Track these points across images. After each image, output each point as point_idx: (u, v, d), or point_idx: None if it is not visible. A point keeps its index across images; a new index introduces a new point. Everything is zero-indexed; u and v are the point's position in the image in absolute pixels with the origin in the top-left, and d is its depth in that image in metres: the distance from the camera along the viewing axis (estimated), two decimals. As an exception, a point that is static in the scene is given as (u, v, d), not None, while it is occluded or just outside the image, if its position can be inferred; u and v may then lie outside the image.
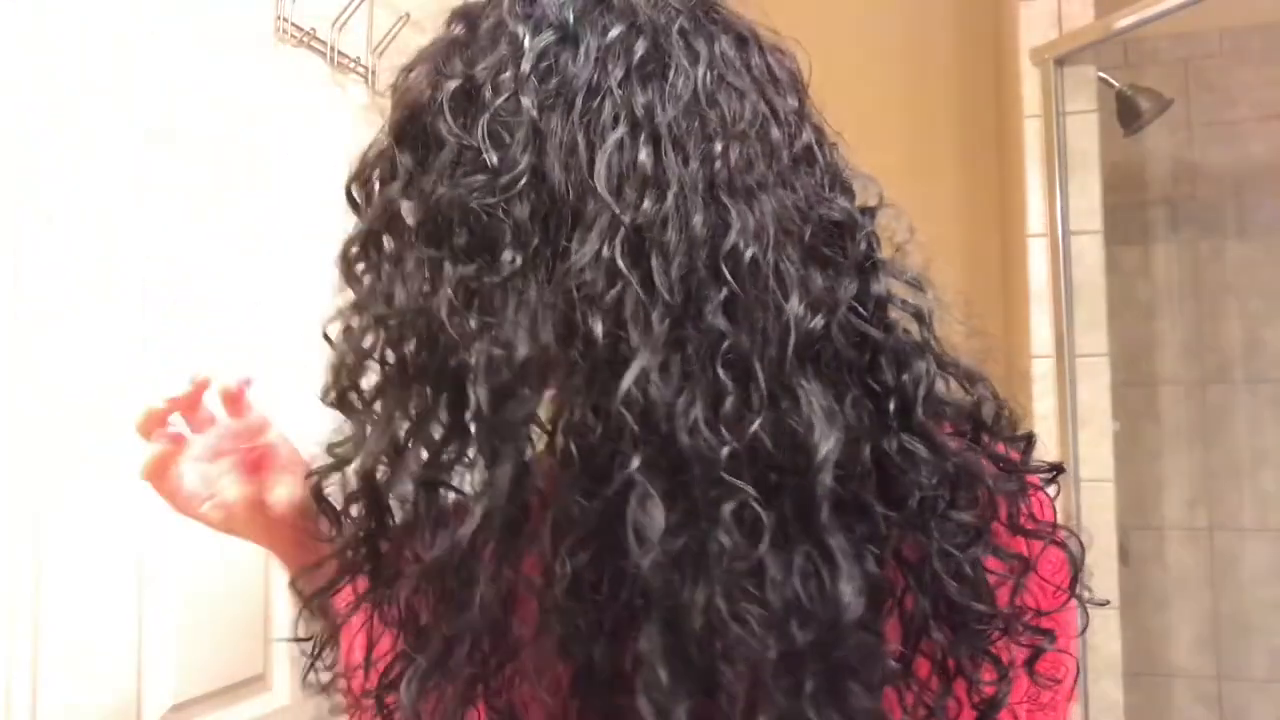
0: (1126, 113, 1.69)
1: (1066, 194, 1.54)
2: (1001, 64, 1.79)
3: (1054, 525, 0.51)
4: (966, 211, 1.84)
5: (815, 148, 0.49)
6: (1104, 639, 1.49)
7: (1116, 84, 1.68)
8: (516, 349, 0.41)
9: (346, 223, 0.54)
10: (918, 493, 0.45)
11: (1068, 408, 1.53)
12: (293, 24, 1.03)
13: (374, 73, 1.16)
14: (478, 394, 0.42)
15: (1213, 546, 2.05)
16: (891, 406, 0.46)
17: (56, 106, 0.77)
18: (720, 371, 0.41)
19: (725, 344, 0.41)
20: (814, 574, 0.41)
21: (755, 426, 0.41)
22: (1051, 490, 0.54)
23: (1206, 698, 2.04)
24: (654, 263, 0.41)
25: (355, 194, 0.51)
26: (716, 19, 0.49)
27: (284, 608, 1.00)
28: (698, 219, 0.42)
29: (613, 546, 0.40)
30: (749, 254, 0.42)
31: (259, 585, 0.97)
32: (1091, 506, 1.51)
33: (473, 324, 0.42)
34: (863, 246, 0.48)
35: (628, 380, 0.40)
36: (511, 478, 0.41)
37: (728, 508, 0.40)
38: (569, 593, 0.41)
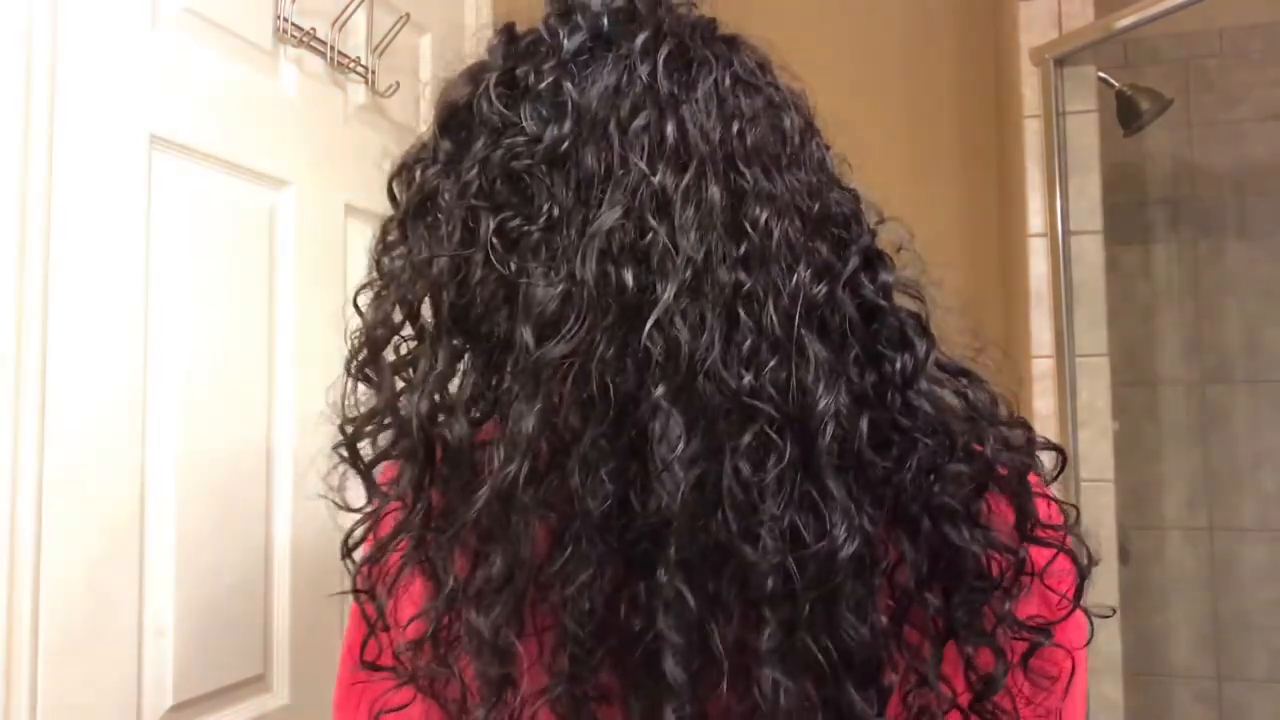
0: (1126, 113, 1.69)
1: (1066, 194, 1.54)
2: (1001, 64, 1.79)
3: (1064, 531, 0.52)
4: (966, 211, 1.84)
5: (824, 160, 0.53)
6: (1104, 639, 1.49)
7: (1116, 84, 1.67)
8: (556, 288, 0.45)
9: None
10: (916, 454, 0.48)
11: (1068, 408, 1.53)
12: (293, 24, 1.03)
13: (374, 73, 1.16)
14: (520, 332, 0.45)
15: (1213, 546, 2.05)
16: (894, 370, 0.49)
17: (58, 105, 0.77)
18: (736, 318, 0.45)
19: (741, 293, 0.46)
20: (813, 510, 0.45)
21: (767, 369, 0.45)
22: (1057, 492, 0.55)
23: (1206, 698, 2.04)
24: (678, 221, 0.46)
25: (395, 188, 0.54)
26: (735, 43, 0.54)
27: (284, 608, 1.00)
28: (717, 187, 0.47)
29: (634, 479, 0.44)
30: (763, 218, 0.47)
31: (259, 585, 0.97)
32: (1091, 506, 1.51)
33: (512, 266, 0.46)
34: (866, 239, 0.52)
35: (654, 317, 0.44)
36: (541, 418, 0.45)
37: (745, 438, 0.44)
38: (596, 525, 0.44)
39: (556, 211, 0.46)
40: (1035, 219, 1.57)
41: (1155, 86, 1.71)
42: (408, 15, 1.19)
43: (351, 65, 1.12)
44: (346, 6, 1.09)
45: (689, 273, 0.45)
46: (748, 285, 0.46)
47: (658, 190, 0.46)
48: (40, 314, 0.75)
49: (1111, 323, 1.55)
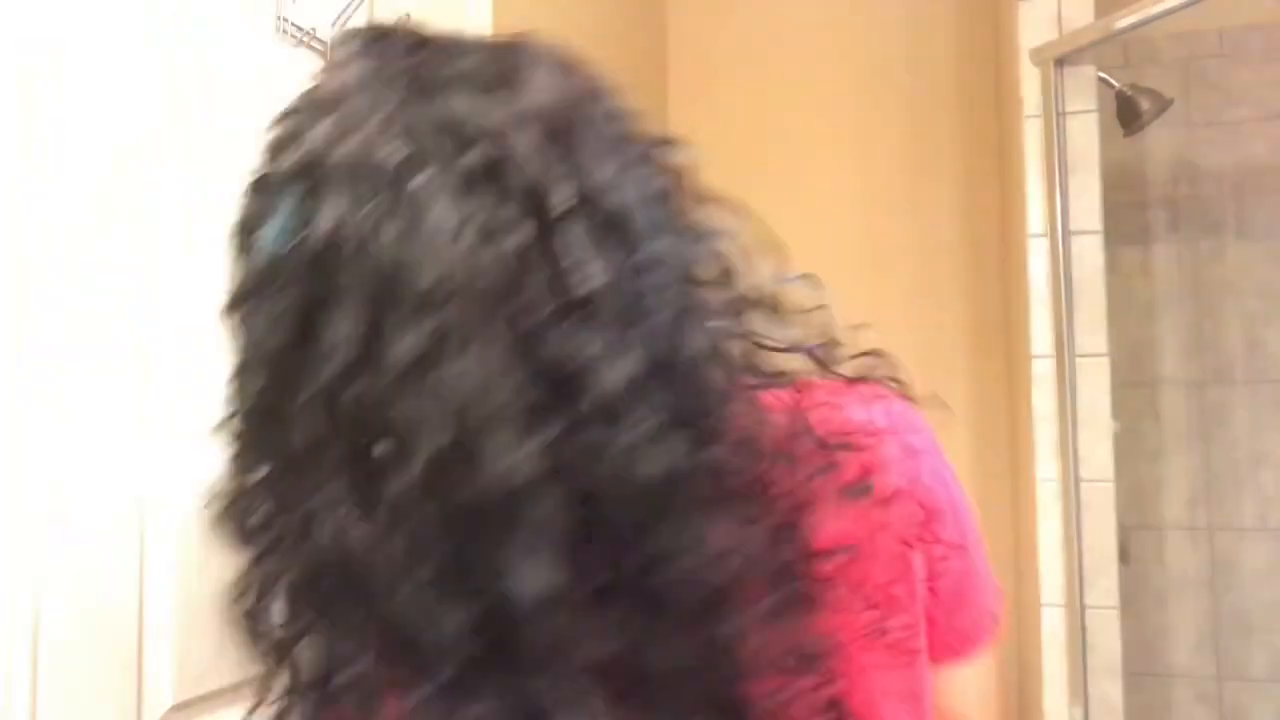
0: (1126, 113, 1.69)
1: (1066, 194, 1.55)
2: (1001, 64, 1.79)
3: (851, 436, 0.47)
4: (966, 211, 1.84)
5: (556, 277, 0.41)
6: (1104, 639, 1.49)
7: (1116, 84, 1.68)
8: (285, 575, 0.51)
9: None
10: (673, 582, 0.42)
11: (1068, 408, 1.53)
12: (293, 24, 1.03)
13: (374, 73, 1.16)
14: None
15: (1213, 546, 2.05)
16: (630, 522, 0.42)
17: (57, 105, 0.77)
18: (446, 585, 0.42)
19: (443, 552, 0.42)
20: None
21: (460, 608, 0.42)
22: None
23: (1206, 698, 2.04)
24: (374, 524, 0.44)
25: None
26: (408, 128, 0.43)
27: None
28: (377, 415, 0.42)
29: None
30: (438, 452, 0.41)
31: (259, 585, 0.97)
32: (1091, 506, 1.51)
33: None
34: (620, 306, 0.41)
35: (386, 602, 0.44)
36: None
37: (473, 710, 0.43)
38: None
39: (283, 539, 0.48)
40: (1035, 219, 1.57)
41: (1155, 86, 1.71)
42: (408, 15, 1.19)
43: (351, 65, 1.12)
44: (346, 6, 1.09)
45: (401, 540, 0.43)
46: (441, 539, 0.42)
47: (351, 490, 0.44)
48: (41, 313, 0.75)
49: (1111, 323, 1.55)
